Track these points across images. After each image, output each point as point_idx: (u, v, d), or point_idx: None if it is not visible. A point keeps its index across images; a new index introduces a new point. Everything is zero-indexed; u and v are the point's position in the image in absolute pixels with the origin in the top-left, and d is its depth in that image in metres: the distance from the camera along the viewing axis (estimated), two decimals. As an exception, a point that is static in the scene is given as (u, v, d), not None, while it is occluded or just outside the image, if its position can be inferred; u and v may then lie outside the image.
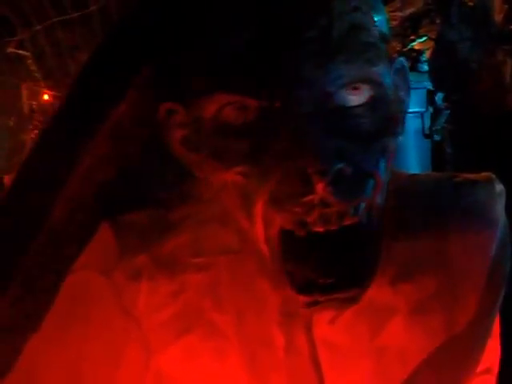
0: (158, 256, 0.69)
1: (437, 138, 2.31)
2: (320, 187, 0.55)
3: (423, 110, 2.28)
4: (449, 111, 2.28)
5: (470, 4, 4.39)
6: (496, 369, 0.79)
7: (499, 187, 0.79)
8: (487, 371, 0.77)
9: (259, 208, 0.59)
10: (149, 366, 0.69)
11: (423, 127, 2.30)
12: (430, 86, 2.28)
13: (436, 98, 2.27)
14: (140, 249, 0.69)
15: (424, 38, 2.39)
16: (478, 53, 4.38)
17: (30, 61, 4.40)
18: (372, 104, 0.60)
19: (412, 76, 2.19)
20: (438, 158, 2.42)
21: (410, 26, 4.40)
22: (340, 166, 0.56)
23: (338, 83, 0.57)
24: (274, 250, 0.61)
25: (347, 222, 0.60)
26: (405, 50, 2.35)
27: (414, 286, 0.74)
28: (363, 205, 0.62)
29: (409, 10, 4.40)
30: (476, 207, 0.77)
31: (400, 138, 0.69)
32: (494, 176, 0.81)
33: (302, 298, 0.63)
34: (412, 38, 2.38)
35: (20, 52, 4.35)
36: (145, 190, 0.73)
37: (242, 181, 0.59)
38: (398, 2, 4.46)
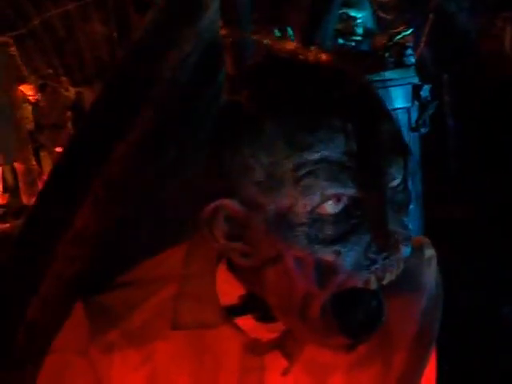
0: (128, 331, 0.80)
1: (423, 130, 2.37)
2: (404, 246, 0.68)
3: (409, 105, 2.34)
4: (435, 103, 2.34)
5: (467, -27, 4.37)
6: None
7: (429, 252, 0.88)
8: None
9: (338, 278, 0.69)
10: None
11: (409, 121, 2.36)
12: (415, 81, 2.33)
13: (421, 92, 2.33)
14: (111, 326, 0.80)
15: (410, 31, 2.43)
16: (477, 22, 4.38)
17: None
18: (399, 188, 0.71)
19: (398, 72, 2.24)
20: (425, 149, 2.50)
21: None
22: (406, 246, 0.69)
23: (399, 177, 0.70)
24: (328, 312, 0.71)
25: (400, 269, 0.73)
26: (391, 43, 2.38)
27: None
28: None
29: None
30: (406, 273, 0.86)
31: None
32: (425, 241, 0.90)
33: (349, 340, 0.72)
34: (397, 30, 2.41)
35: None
36: (114, 273, 0.84)
37: (329, 258, 0.69)
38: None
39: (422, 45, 4.18)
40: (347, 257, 0.69)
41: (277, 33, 2.31)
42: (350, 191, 0.68)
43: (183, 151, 0.88)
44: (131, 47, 0.75)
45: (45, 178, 4.98)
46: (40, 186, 4.28)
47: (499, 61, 4.44)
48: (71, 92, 4.80)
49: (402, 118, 2.33)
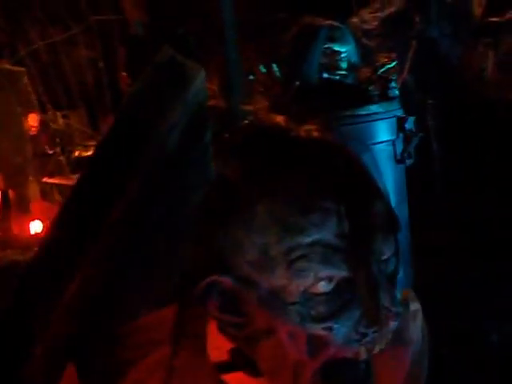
0: None
1: (408, 162, 2.41)
2: (392, 321, 0.72)
3: (394, 137, 2.37)
4: (420, 136, 2.38)
5: (449, 0, 4.45)
6: None
7: (414, 306, 0.91)
8: None
9: (329, 350, 0.72)
10: None
11: (395, 153, 2.39)
12: (399, 113, 2.37)
13: (406, 125, 2.36)
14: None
15: (394, 64, 2.47)
16: (459, 48, 4.45)
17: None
18: (389, 262, 0.74)
19: (383, 105, 2.28)
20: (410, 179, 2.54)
21: (390, 27, 4.47)
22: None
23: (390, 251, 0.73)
24: (318, 381, 0.73)
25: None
26: (374, 77, 2.42)
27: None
28: None
29: (388, 11, 4.46)
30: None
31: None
32: (410, 294, 0.93)
33: None
34: (381, 63, 2.46)
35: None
36: (103, 339, 0.85)
37: (321, 332, 0.71)
38: (377, 2, 4.53)
39: (406, 71, 4.24)
40: (338, 332, 0.71)
41: (262, 68, 2.35)
42: (343, 273, 0.70)
43: (171, 211, 0.90)
44: (117, 118, 0.77)
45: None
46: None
47: (481, 86, 4.51)
48: (59, 122, 4.83)
49: (387, 150, 2.36)
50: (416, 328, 0.90)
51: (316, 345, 0.72)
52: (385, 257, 0.73)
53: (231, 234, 0.73)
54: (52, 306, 0.79)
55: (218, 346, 0.82)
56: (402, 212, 2.51)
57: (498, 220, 3.69)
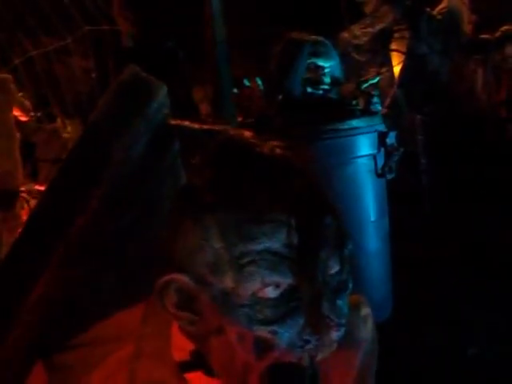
0: None
1: (389, 176, 2.45)
2: (335, 331, 0.77)
3: (375, 151, 2.42)
4: (401, 151, 2.42)
5: (439, 17, 4.51)
6: None
7: (365, 311, 0.96)
8: None
9: (274, 353, 0.76)
10: None
11: (376, 167, 2.44)
12: (381, 128, 2.42)
13: (387, 139, 2.41)
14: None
15: (377, 79, 2.53)
16: (448, 64, 4.52)
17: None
18: (341, 274, 0.80)
19: (365, 120, 2.33)
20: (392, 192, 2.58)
21: (380, 42, 4.54)
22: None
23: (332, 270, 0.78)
24: (264, 381, 0.78)
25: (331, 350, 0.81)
26: (357, 92, 2.48)
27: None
28: None
29: (379, 26, 4.53)
30: (345, 331, 0.94)
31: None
32: (362, 300, 0.98)
33: None
34: (365, 79, 2.51)
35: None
36: (74, 331, 0.90)
37: (267, 335, 0.76)
38: (368, 18, 4.60)
39: (395, 86, 4.30)
40: (283, 336, 0.76)
41: (246, 82, 2.40)
42: (288, 280, 0.75)
43: (141, 216, 0.95)
44: (85, 130, 0.82)
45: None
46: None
47: (471, 102, 4.57)
48: (68, 130, 4.89)
49: (368, 164, 2.41)
50: (366, 331, 0.96)
51: (262, 347, 0.76)
52: (333, 271, 0.78)
53: (191, 236, 0.79)
54: (22, 303, 0.83)
55: (182, 348, 0.87)
56: (382, 225, 2.55)
57: (482, 232, 3.74)
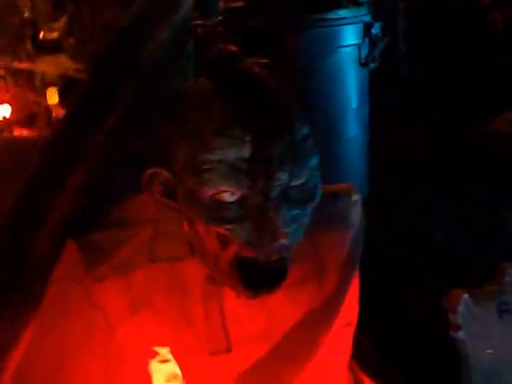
0: (115, 264, 1.02)
1: (372, 66, 2.54)
2: (282, 240, 0.88)
3: (360, 41, 2.49)
4: (385, 41, 2.50)
5: None
6: (355, 322, 1.13)
7: (355, 197, 1.11)
8: (348, 324, 1.12)
9: (234, 247, 0.90)
10: (112, 337, 1.03)
11: (360, 57, 2.52)
12: (367, 19, 2.48)
13: (372, 30, 2.48)
14: (102, 260, 1.01)
15: (364, -31, 2.55)
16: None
17: None
18: (304, 187, 0.91)
19: (351, 11, 2.39)
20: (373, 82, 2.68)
21: None
22: (293, 228, 0.89)
23: (292, 183, 0.90)
24: (233, 268, 0.92)
25: (286, 253, 0.93)
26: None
27: (295, 268, 1.06)
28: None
29: None
30: (337, 214, 1.09)
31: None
32: (353, 187, 1.13)
33: (249, 293, 0.94)
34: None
35: None
36: (101, 216, 1.04)
37: (225, 232, 0.89)
38: None
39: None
40: (238, 235, 0.89)
41: None
42: (240, 189, 0.88)
43: (152, 115, 1.07)
44: (115, 37, 0.91)
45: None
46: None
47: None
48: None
49: (352, 54, 2.49)
50: (356, 214, 1.11)
51: (224, 241, 0.90)
52: (294, 183, 0.90)
53: (173, 134, 0.91)
54: (56, 192, 0.96)
55: None
56: (363, 113, 2.67)
57: (457, 118, 3.87)
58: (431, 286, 1.52)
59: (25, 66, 6.08)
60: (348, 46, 2.48)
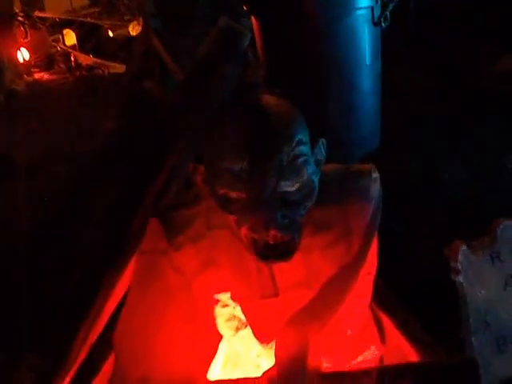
0: (188, 235, 1.31)
1: (384, 25, 2.74)
2: (272, 232, 1.17)
3: (373, 3, 2.68)
4: (396, 1, 2.68)
5: None
6: (374, 271, 1.41)
7: (375, 174, 1.36)
8: (369, 273, 1.40)
9: (244, 229, 1.20)
10: (189, 288, 1.32)
11: (373, 18, 2.71)
12: (380, -17, 2.65)
13: (385, -8, 2.66)
14: (178, 233, 1.30)
15: None
16: None
17: None
18: (300, 189, 1.18)
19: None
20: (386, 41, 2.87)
21: None
22: (282, 223, 1.17)
23: (286, 189, 1.17)
24: (249, 243, 1.22)
25: (283, 240, 1.21)
26: None
27: (328, 233, 1.33)
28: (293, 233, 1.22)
29: None
30: (361, 189, 1.35)
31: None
32: (372, 167, 1.38)
33: (262, 261, 1.25)
34: None
35: None
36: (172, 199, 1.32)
37: (236, 218, 1.20)
38: None
39: None
40: (241, 222, 1.21)
41: None
42: (241, 192, 1.17)
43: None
44: (191, 70, 1.17)
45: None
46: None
47: None
48: None
49: (366, 15, 2.69)
50: (376, 189, 1.36)
51: (236, 223, 1.22)
52: (289, 189, 1.17)
53: (207, 145, 1.21)
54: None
55: None
56: (375, 68, 2.89)
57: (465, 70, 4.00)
58: (437, 236, 1.77)
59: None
60: (362, 8, 2.67)
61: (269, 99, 1.20)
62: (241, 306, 1.36)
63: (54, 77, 5.82)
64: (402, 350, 1.42)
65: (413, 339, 1.42)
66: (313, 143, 1.24)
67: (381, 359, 1.43)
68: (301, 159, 1.16)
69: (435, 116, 3.45)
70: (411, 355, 1.39)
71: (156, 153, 1.17)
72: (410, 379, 1.17)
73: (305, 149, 1.18)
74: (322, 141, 1.29)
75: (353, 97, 2.83)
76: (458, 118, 3.37)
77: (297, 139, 1.16)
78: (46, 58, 6.26)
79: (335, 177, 1.35)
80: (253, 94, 1.19)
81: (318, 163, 1.26)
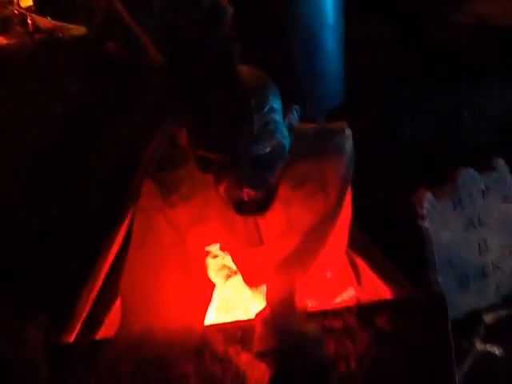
0: (182, 194, 1.42)
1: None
2: (246, 190, 1.30)
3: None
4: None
5: None
6: (349, 220, 1.53)
7: (348, 131, 1.49)
8: (344, 221, 1.52)
9: (221, 188, 1.32)
10: (183, 242, 1.44)
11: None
12: None
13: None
14: (173, 192, 1.42)
15: None
16: None
17: None
18: (273, 150, 1.30)
19: None
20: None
21: None
22: (254, 182, 1.30)
23: (258, 152, 1.28)
24: (227, 199, 1.35)
25: (257, 197, 1.34)
26: None
27: (306, 185, 1.46)
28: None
29: None
30: (335, 145, 1.47)
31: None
32: (345, 124, 1.50)
33: (240, 215, 1.38)
34: None
35: None
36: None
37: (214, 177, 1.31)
38: None
39: None
40: (218, 181, 1.33)
41: None
42: (217, 155, 1.28)
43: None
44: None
45: None
46: None
47: None
48: None
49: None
50: (349, 145, 1.49)
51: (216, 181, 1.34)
52: (263, 151, 1.28)
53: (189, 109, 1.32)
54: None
55: None
56: (339, 27, 2.99)
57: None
58: (401, 186, 1.89)
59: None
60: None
61: (243, 69, 1.31)
62: (230, 255, 1.48)
63: (12, 41, 5.71)
64: (377, 289, 1.58)
65: (386, 279, 1.57)
66: (286, 109, 1.35)
67: (357, 299, 1.58)
68: (272, 125, 1.28)
69: (397, 67, 3.55)
70: (385, 293, 1.55)
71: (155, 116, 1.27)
72: (386, 313, 1.31)
73: (276, 115, 1.30)
74: (296, 107, 1.39)
75: (318, 56, 2.93)
76: (419, 71, 3.45)
77: (268, 107, 1.28)
78: (1, 21, 6.10)
79: (312, 135, 1.48)
80: (228, 64, 1.29)
81: (290, 128, 1.37)
